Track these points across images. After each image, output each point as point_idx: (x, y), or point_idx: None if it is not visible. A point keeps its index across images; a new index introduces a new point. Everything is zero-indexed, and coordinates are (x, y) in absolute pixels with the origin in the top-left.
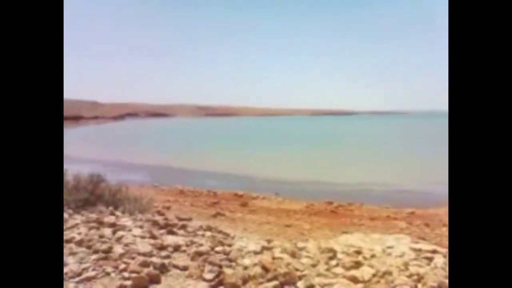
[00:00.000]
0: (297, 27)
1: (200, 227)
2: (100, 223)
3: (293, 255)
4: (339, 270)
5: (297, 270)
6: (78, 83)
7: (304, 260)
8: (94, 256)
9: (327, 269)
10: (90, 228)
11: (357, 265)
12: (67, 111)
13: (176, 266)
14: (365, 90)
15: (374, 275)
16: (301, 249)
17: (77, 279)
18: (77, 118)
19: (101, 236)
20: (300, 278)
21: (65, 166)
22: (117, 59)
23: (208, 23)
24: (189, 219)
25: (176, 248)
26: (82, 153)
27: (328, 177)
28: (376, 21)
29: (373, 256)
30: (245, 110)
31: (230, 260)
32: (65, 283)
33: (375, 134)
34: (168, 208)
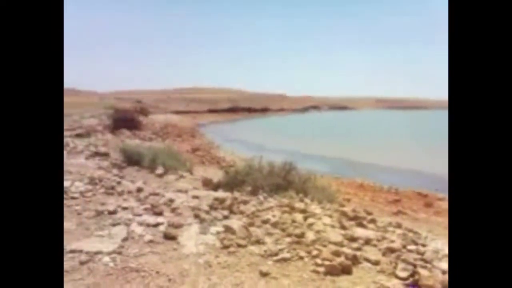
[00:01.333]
0: None
1: (390, 224)
2: (292, 208)
3: None
4: None
5: None
6: (268, 78)
7: None
8: (288, 239)
9: None
10: (283, 212)
11: None
12: (256, 103)
13: (367, 260)
14: None
15: None
16: None
17: (274, 258)
18: (264, 110)
19: (293, 221)
20: None
21: (255, 153)
22: (305, 54)
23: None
24: (371, 214)
25: (367, 242)
26: (269, 142)
27: None
28: None
29: None
30: (429, 103)
31: (425, 261)
32: (262, 260)
33: None
34: (348, 200)
